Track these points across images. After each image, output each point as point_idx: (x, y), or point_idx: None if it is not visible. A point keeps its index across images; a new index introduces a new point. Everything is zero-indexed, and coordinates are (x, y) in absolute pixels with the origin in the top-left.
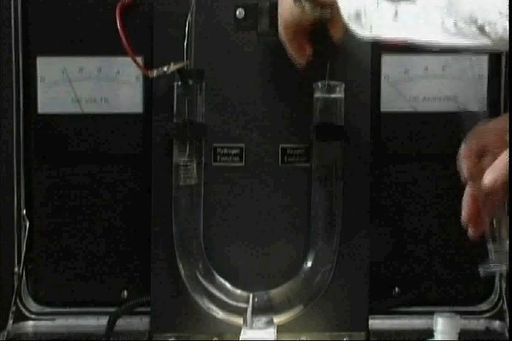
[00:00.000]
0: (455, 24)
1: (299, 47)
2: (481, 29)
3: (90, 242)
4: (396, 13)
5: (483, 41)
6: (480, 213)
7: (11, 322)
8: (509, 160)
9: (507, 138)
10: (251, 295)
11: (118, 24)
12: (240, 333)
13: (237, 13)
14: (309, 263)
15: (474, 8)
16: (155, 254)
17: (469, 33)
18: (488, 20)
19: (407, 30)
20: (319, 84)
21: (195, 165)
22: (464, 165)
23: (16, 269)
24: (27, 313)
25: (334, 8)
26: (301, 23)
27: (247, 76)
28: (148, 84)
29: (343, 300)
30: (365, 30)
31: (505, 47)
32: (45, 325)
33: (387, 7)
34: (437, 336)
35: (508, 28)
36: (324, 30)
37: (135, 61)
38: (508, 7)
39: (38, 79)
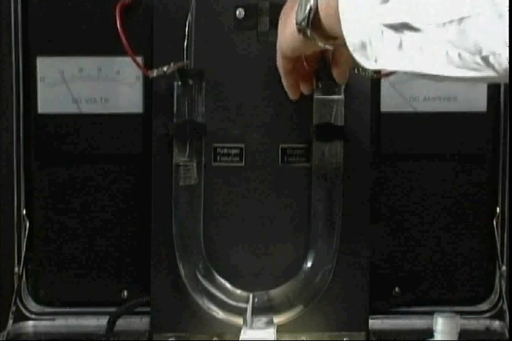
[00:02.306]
0: (459, 55)
1: (294, 84)
2: (486, 60)
3: (90, 242)
4: (401, 44)
5: (488, 73)
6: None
7: (11, 322)
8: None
9: None
10: (251, 295)
11: (118, 24)
12: (240, 333)
13: (237, 13)
14: (309, 263)
15: (479, 39)
16: (155, 254)
17: (474, 65)
18: (492, 51)
19: (412, 61)
20: (319, 84)
21: (195, 165)
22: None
23: (16, 269)
24: (27, 313)
25: (338, 45)
26: (302, 55)
27: (247, 76)
28: (148, 84)
29: (343, 300)
30: (370, 61)
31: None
32: (45, 325)
33: (392, 36)
34: (437, 336)
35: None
36: (327, 71)
37: (135, 61)
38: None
39: (38, 79)
